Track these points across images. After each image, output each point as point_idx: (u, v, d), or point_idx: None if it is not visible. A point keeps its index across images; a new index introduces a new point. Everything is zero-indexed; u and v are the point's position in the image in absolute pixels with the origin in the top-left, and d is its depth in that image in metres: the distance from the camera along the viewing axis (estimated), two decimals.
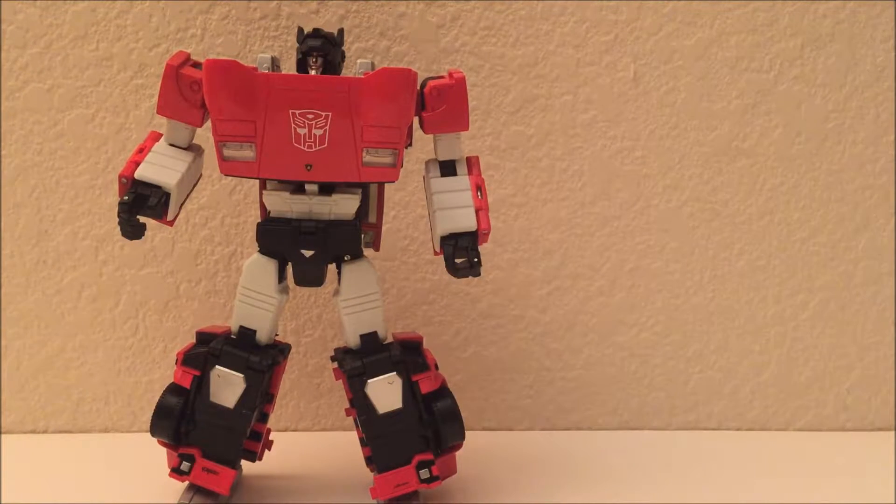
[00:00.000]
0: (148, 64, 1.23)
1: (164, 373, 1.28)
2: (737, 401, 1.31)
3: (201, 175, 1.06)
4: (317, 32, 0.99)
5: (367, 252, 1.06)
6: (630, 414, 1.32)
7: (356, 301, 1.02)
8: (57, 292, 1.27)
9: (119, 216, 0.95)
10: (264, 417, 1.08)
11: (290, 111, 0.93)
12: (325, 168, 0.95)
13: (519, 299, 1.30)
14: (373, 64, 0.99)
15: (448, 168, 1.02)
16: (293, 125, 0.94)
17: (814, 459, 1.19)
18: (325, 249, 1.00)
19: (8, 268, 1.26)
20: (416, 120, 1.00)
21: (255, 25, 1.22)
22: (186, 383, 1.01)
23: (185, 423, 1.03)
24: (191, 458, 1.02)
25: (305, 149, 0.94)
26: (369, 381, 1.01)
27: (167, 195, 0.97)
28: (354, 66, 1.01)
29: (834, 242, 1.30)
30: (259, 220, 1.03)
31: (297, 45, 1.00)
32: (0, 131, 1.23)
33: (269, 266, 1.01)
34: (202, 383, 1.01)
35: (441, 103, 0.98)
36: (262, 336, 1.02)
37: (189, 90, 0.96)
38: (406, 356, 1.03)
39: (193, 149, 1.01)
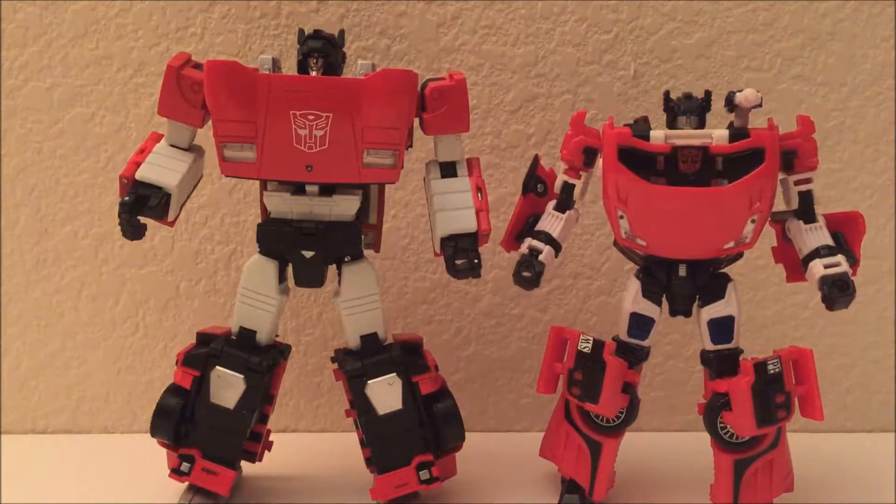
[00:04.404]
0: (148, 62, 1.22)
1: (164, 372, 1.28)
2: None
3: (202, 175, 1.06)
4: (317, 34, 0.99)
5: (368, 253, 1.06)
6: None
7: (356, 302, 1.02)
8: (57, 291, 1.27)
9: (120, 216, 0.95)
10: (264, 418, 1.08)
11: (291, 112, 0.93)
12: (326, 169, 0.95)
13: (519, 298, 1.30)
14: (373, 65, 0.99)
15: (448, 169, 1.01)
16: (294, 126, 0.94)
17: (814, 459, 1.19)
18: (325, 250, 1.00)
19: (8, 267, 1.26)
20: (416, 121, 1.00)
21: (255, 24, 1.22)
22: (186, 384, 1.02)
23: (185, 423, 1.03)
24: (191, 459, 1.02)
25: (306, 150, 0.94)
26: (369, 382, 1.02)
27: (168, 196, 0.97)
28: (355, 66, 1.01)
29: None
30: (259, 221, 1.04)
31: (297, 45, 1.00)
32: (0, 130, 1.23)
33: (270, 267, 1.01)
34: (202, 384, 1.02)
35: (441, 105, 0.98)
36: (263, 337, 1.03)
37: (190, 91, 0.96)
38: (406, 357, 1.03)
39: (194, 149, 1.01)
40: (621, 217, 0.98)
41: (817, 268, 0.97)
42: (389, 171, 0.97)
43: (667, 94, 1.01)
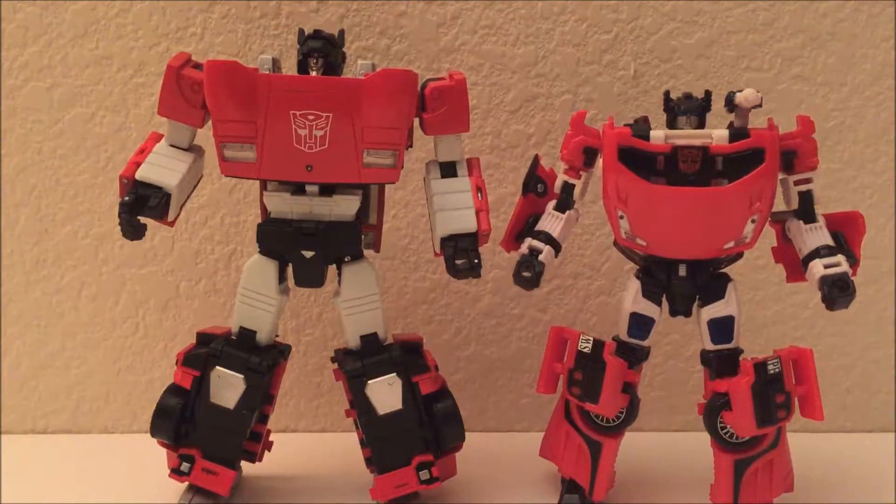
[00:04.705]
0: (148, 62, 1.22)
1: (163, 372, 1.28)
2: None
3: (202, 175, 1.06)
4: (318, 34, 0.99)
5: (368, 253, 1.06)
6: None
7: (356, 302, 1.02)
8: (57, 291, 1.27)
9: (120, 216, 0.95)
10: (264, 418, 1.08)
11: (291, 112, 0.93)
12: (326, 169, 0.96)
13: (519, 298, 1.30)
14: (373, 65, 0.99)
15: (448, 169, 1.01)
16: (294, 126, 0.94)
17: (814, 459, 1.19)
18: (325, 250, 1.00)
19: (8, 267, 1.26)
20: (416, 121, 1.00)
21: (255, 24, 1.22)
22: (186, 384, 1.02)
23: (185, 423, 1.03)
24: (191, 459, 1.02)
25: (306, 150, 0.94)
26: (369, 382, 1.02)
27: (168, 196, 0.97)
28: (355, 66, 1.01)
29: None
30: (259, 221, 1.04)
31: (297, 45, 1.00)
32: (0, 130, 1.23)
33: (270, 267, 1.01)
34: (202, 384, 1.02)
35: (441, 105, 0.98)
36: (263, 337, 1.03)
37: (190, 91, 0.96)
38: (406, 357, 1.03)
39: (194, 149, 1.01)
40: (621, 217, 0.98)
41: (817, 268, 0.97)
42: (389, 171, 0.97)
43: (667, 94, 1.01)
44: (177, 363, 1.03)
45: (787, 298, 1.31)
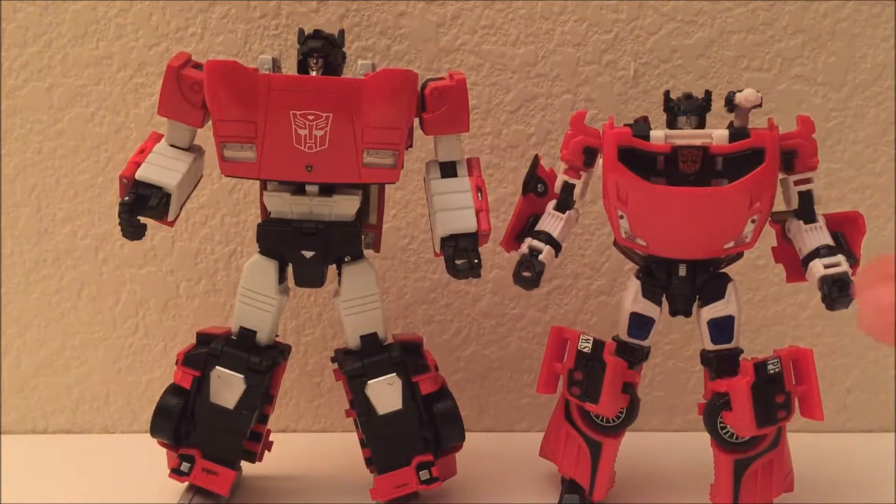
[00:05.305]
0: (148, 62, 1.22)
1: (163, 372, 1.28)
2: None
3: (202, 175, 1.06)
4: (318, 34, 0.99)
5: (368, 253, 1.06)
6: None
7: (356, 302, 1.02)
8: (57, 291, 1.27)
9: (120, 217, 0.95)
10: (264, 418, 1.08)
11: (291, 112, 0.93)
12: (326, 169, 0.96)
13: (519, 298, 1.30)
14: (373, 65, 0.99)
15: (448, 169, 1.01)
16: (294, 126, 0.94)
17: (814, 459, 1.19)
18: (325, 250, 1.00)
19: (8, 267, 1.26)
20: (416, 121, 1.00)
21: (254, 24, 1.22)
22: (186, 384, 1.02)
23: (185, 423, 1.03)
24: (191, 459, 1.02)
25: (306, 150, 0.94)
26: (369, 382, 1.01)
27: (168, 196, 0.97)
28: (355, 66, 1.01)
29: None
30: (259, 221, 1.03)
31: (297, 45, 1.00)
32: (0, 130, 1.23)
33: (270, 267, 1.01)
34: (202, 384, 1.01)
35: (441, 105, 0.98)
36: (263, 337, 1.03)
37: (190, 91, 0.96)
38: (406, 357, 1.03)
39: (194, 149, 1.01)
40: (621, 217, 0.98)
41: (817, 267, 0.98)
42: (389, 171, 0.97)
43: (667, 94, 1.01)
44: (177, 363, 1.03)
45: (787, 298, 1.31)
